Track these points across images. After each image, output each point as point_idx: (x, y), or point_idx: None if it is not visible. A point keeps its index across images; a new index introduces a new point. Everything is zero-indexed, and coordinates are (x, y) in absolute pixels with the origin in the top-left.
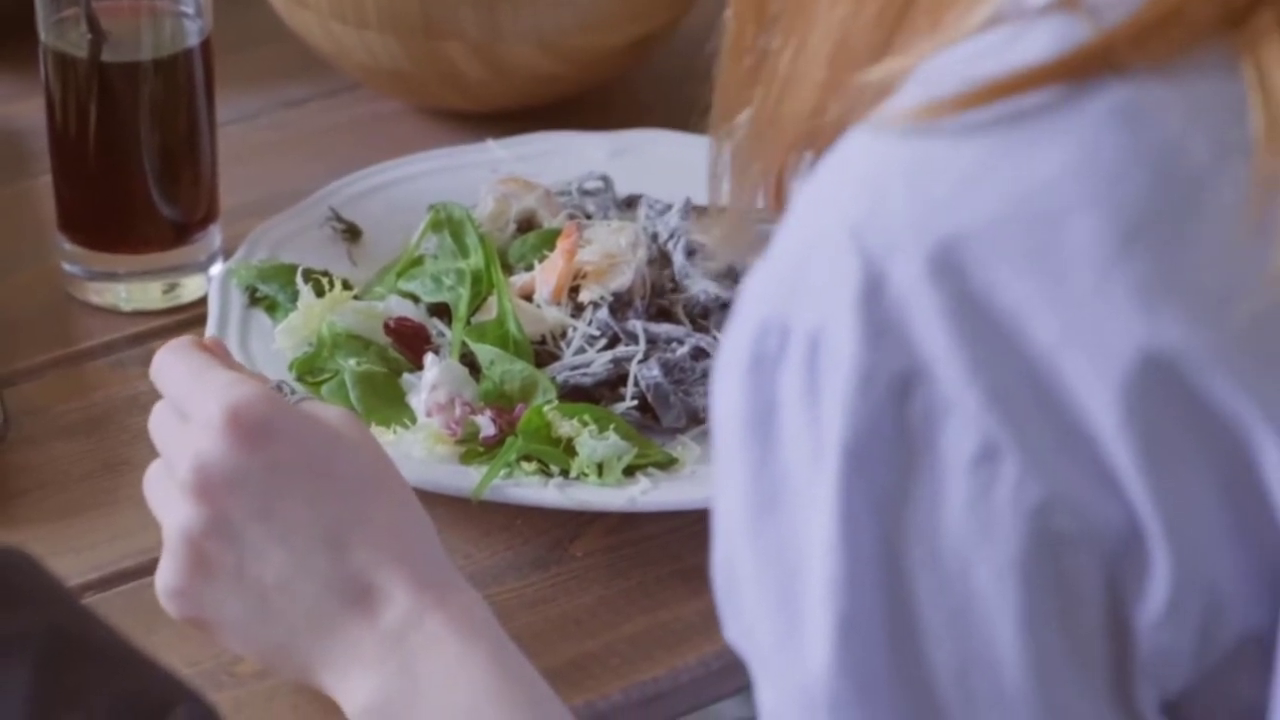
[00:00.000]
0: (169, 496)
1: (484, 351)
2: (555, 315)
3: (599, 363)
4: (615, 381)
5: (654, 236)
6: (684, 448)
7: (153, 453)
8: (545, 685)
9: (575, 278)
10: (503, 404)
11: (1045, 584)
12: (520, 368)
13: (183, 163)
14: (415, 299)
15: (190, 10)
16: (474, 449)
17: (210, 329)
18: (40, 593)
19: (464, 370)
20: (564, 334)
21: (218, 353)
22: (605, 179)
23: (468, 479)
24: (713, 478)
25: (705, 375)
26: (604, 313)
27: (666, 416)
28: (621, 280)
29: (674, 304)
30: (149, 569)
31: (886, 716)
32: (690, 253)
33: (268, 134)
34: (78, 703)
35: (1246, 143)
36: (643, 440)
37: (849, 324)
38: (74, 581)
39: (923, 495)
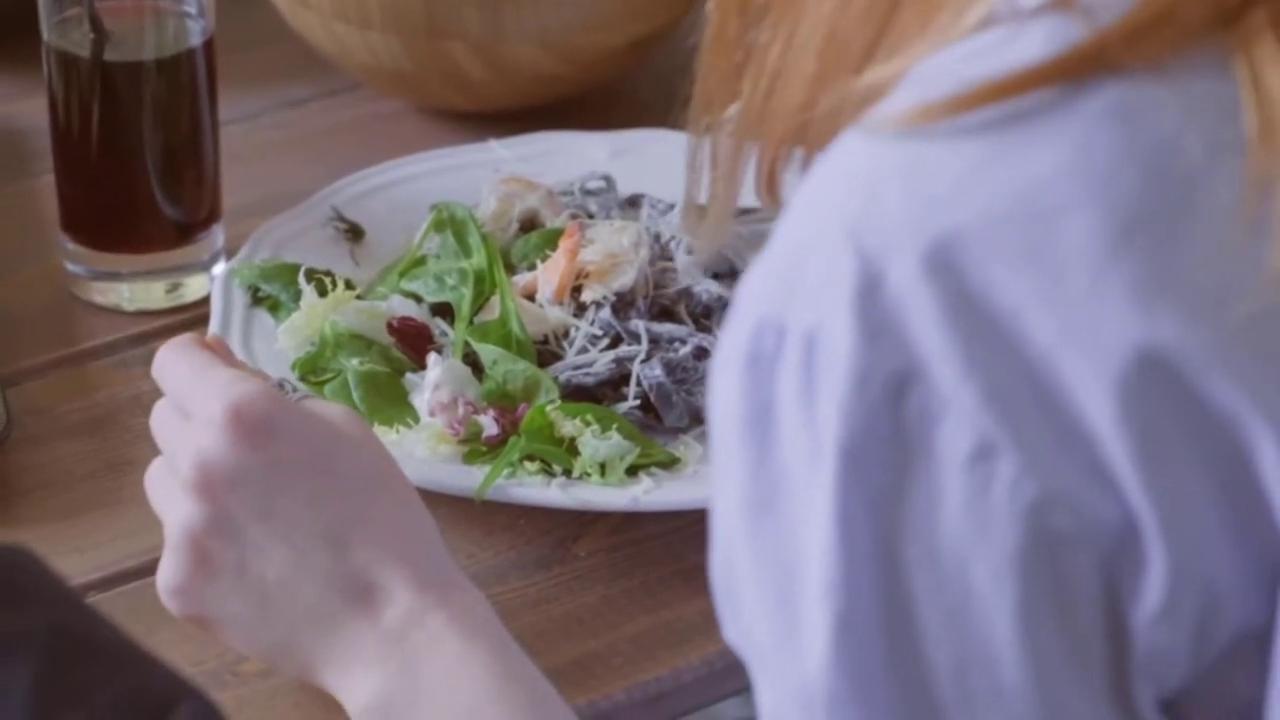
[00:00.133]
0: (171, 494)
1: (487, 351)
2: (558, 315)
3: (601, 362)
4: (618, 381)
5: (656, 236)
6: (686, 447)
7: (156, 452)
8: (547, 684)
9: (578, 277)
10: (505, 404)
11: (1042, 582)
12: (523, 367)
13: (185, 162)
14: (418, 299)
15: (193, 10)
16: (477, 449)
17: (213, 329)
18: (44, 591)
19: (467, 370)
20: (566, 334)
21: (219, 350)
22: (607, 179)
23: (471, 479)
24: (712, 477)
25: (707, 375)
26: (606, 312)
27: (669, 416)
28: (624, 280)
29: (676, 303)
30: (152, 569)
31: (884, 715)
32: (692, 252)
33: (270, 134)
34: (80, 701)
35: (1240, 142)
36: (645, 440)
37: (845, 323)
38: (77, 581)
39: (919, 494)
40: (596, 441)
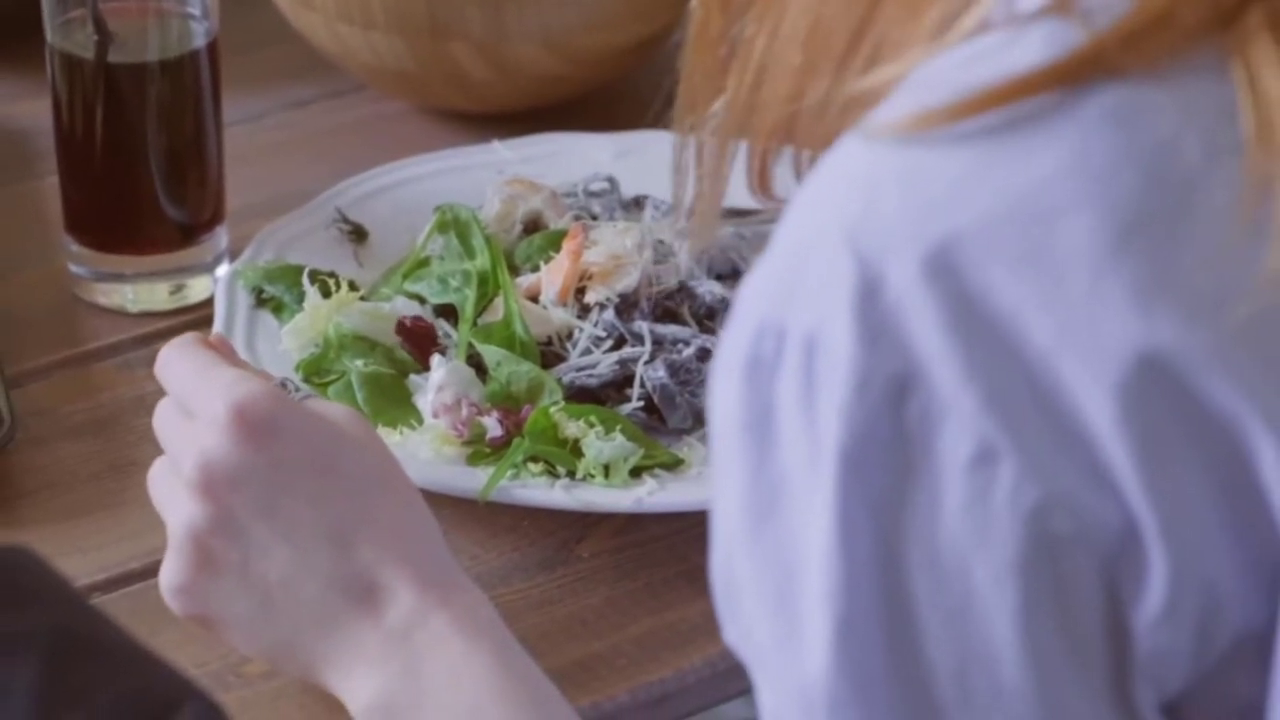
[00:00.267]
0: (174, 494)
1: (490, 353)
2: (561, 316)
3: (605, 364)
4: (621, 383)
5: (659, 238)
6: (690, 449)
7: (159, 454)
8: (550, 685)
9: (581, 279)
10: (509, 405)
11: (1043, 585)
12: (527, 369)
13: (189, 164)
14: (421, 300)
15: (197, 12)
16: (480, 450)
17: (217, 330)
18: (47, 592)
19: (470, 371)
20: (570, 335)
21: (222, 350)
22: (611, 180)
23: (474, 480)
24: (713, 479)
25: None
26: (610, 314)
27: (673, 418)
28: (627, 281)
29: (679, 305)
30: (155, 570)
31: (885, 718)
32: (681, 251)
33: (274, 135)
34: (82, 701)
35: (1238, 143)
36: (649, 441)
37: (845, 327)
38: (80, 582)
39: (920, 498)
40: (600, 443)
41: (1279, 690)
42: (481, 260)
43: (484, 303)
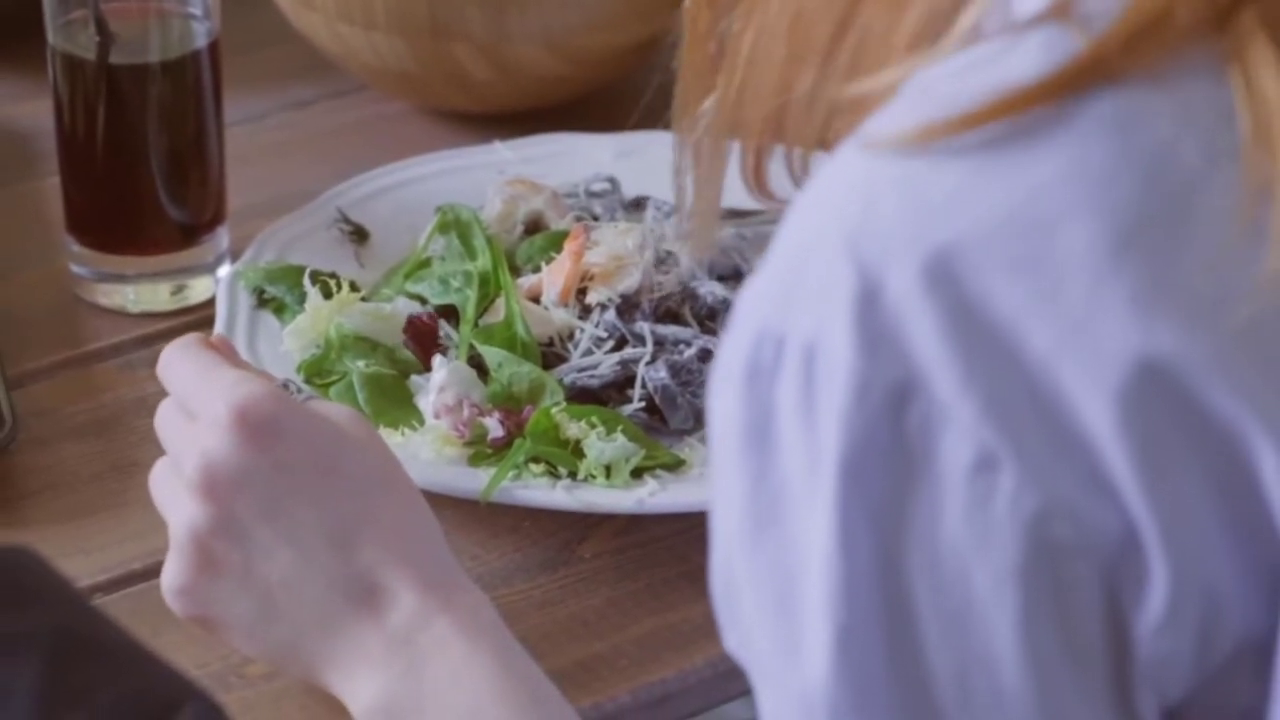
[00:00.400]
0: (175, 495)
1: (492, 353)
2: (563, 317)
3: (606, 365)
4: (623, 383)
5: (661, 238)
6: (691, 449)
7: (161, 454)
8: (552, 687)
9: (583, 279)
10: (511, 406)
11: (1044, 592)
12: (528, 370)
13: (190, 164)
14: (423, 301)
15: (198, 12)
16: (482, 451)
17: (218, 331)
18: (49, 592)
19: (472, 372)
20: (571, 336)
21: (224, 350)
22: (612, 180)
23: (476, 481)
24: (712, 485)
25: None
26: (611, 314)
27: (674, 418)
28: (629, 282)
29: (681, 306)
30: (157, 571)
31: None
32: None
33: (275, 135)
34: (83, 701)
35: (1237, 147)
36: (650, 442)
37: (844, 334)
38: (82, 583)
39: (920, 506)
40: (601, 444)
41: None
42: (483, 261)
43: (485, 303)
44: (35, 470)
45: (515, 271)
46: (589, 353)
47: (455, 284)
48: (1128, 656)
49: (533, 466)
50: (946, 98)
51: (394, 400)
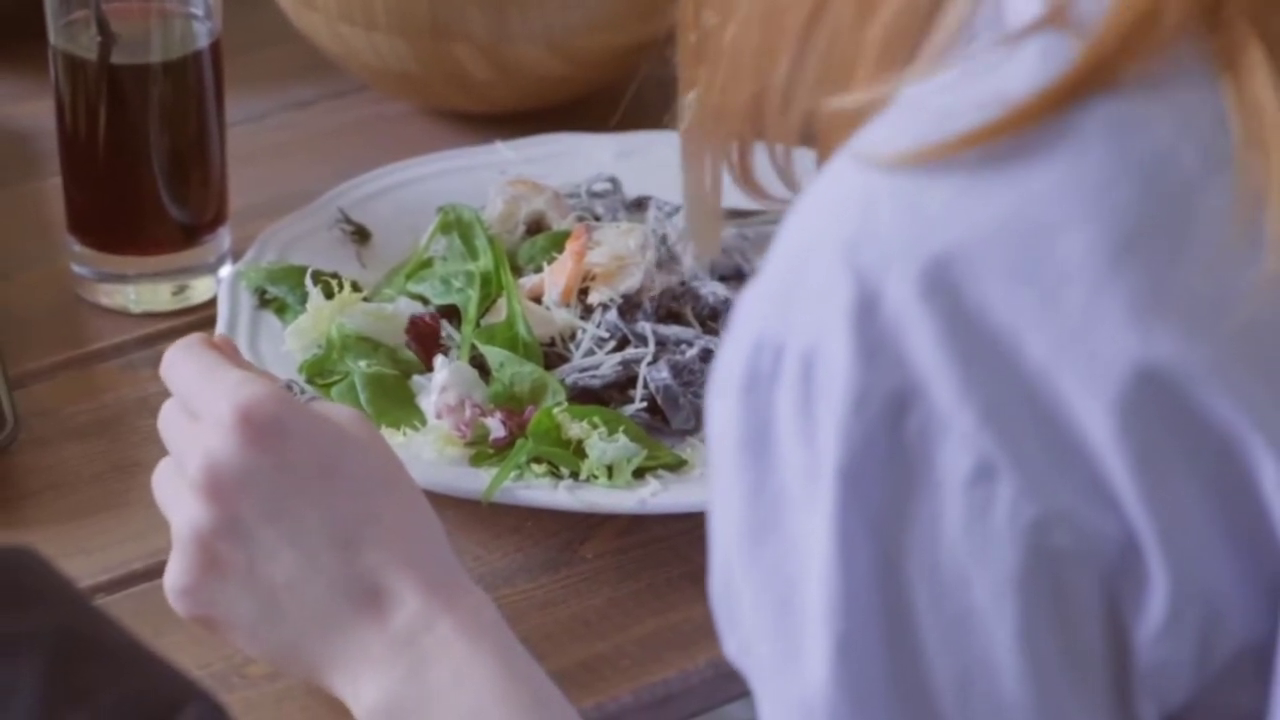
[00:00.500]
0: (178, 495)
1: (493, 354)
2: (564, 317)
3: (608, 365)
4: (624, 384)
5: (662, 238)
6: (693, 449)
7: (163, 455)
8: (554, 688)
9: (584, 280)
10: (512, 406)
11: (1043, 600)
12: (530, 370)
13: (192, 164)
14: (425, 301)
15: (200, 12)
16: (484, 451)
17: (220, 331)
18: (50, 592)
19: (474, 372)
20: (573, 336)
21: (227, 351)
22: (613, 181)
23: (478, 481)
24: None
25: None
26: (613, 315)
27: (676, 418)
28: (630, 282)
29: (683, 306)
30: (159, 571)
31: None
32: (696, 255)
33: (276, 135)
34: (85, 701)
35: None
36: (652, 442)
37: (842, 343)
38: (84, 583)
39: (919, 514)
40: (603, 444)
41: None
42: (484, 261)
43: (487, 304)
44: (37, 470)
45: (517, 272)
46: (591, 353)
47: (457, 284)
48: (1128, 664)
49: (535, 467)
50: (943, 114)
51: (396, 400)
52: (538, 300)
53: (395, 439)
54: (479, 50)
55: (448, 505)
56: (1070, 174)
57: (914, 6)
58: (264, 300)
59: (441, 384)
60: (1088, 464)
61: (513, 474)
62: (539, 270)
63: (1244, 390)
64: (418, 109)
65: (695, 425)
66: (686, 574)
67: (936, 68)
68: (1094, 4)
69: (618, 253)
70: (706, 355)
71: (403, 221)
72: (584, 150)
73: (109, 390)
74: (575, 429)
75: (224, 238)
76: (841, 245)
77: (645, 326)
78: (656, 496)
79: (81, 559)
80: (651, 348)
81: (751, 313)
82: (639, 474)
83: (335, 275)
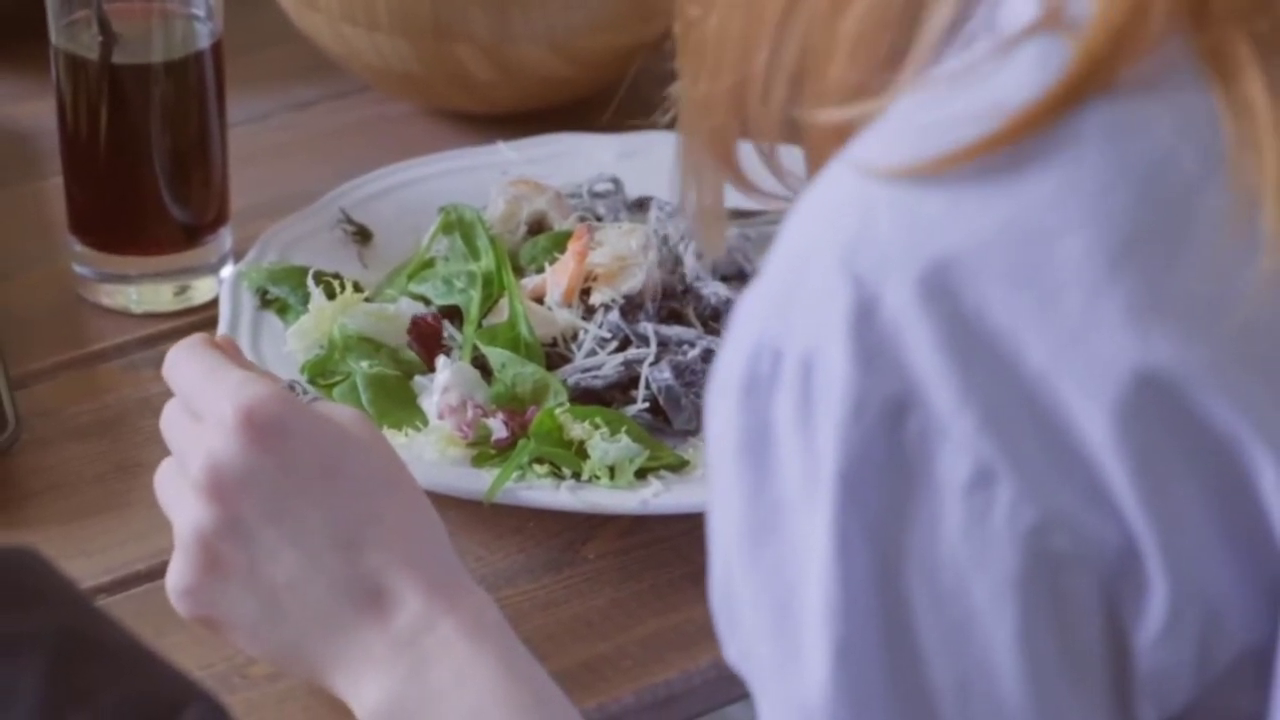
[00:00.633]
0: (181, 495)
1: (495, 354)
2: (566, 318)
3: (610, 365)
4: (626, 384)
5: (664, 239)
6: (695, 450)
7: (165, 455)
8: (556, 688)
9: (586, 280)
10: (514, 406)
11: (1043, 604)
12: (531, 370)
13: (194, 165)
14: (426, 301)
15: (201, 12)
16: (486, 451)
17: (221, 331)
18: (52, 593)
19: (475, 373)
20: (575, 336)
21: (230, 351)
22: (615, 181)
23: (480, 482)
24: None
25: None
26: (615, 315)
27: (678, 419)
28: (632, 283)
29: (684, 306)
30: (161, 572)
31: None
32: (701, 254)
33: (278, 136)
34: (87, 702)
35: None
36: (654, 443)
37: (841, 348)
38: (85, 584)
39: (919, 519)
40: (605, 444)
41: None
42: (486, 261)
43: (489, 304)
44: (38, 471)
45: (519, 272)
46: (593, 353)
47: (459, 284)
48: (1127, 667)
49: (537, 467)
50: (940, 127)
51: (398, 401)
52: (540, 301)
53: (397, 440)
54: (481, 51)
55: (450, 506)
56: (1068, 179)
57: (886, 1)
58: (266, 301)
59: (443, 384)
60: (1087, 467)
61: (515, 474)
62: (541, 271)
63: (1242, 392)
64: (420, 109)
65: (697, 426)
66: (688, 574)
67: (927, 76)
68: (1085, 5)
69: (619, 253)
70: (708, 356)
71: (405, 222)
72: (586, 150)
73: (111, 391)
74: (577, 429)
75: (226, 238)
76: (840, 250)
77: (647, 327)
78: (659, 497)
79: (83, 560)
80: (653, 348)
81: (751, 316)
82: (641, 474)
83: (337, 276)
